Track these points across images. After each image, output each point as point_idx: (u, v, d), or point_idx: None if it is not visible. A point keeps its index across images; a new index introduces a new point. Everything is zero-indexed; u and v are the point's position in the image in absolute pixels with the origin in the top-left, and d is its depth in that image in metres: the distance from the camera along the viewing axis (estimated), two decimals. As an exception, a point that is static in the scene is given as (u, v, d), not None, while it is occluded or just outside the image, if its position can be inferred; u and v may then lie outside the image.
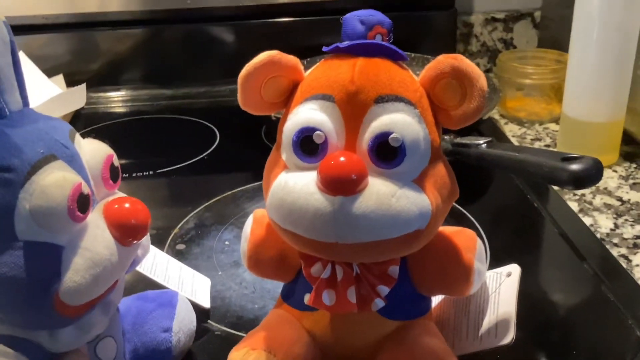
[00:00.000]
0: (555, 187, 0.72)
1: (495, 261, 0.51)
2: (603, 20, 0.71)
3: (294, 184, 0.35)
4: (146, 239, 0.39)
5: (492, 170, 0.77)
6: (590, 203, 0.70)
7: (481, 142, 0.64)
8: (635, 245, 0.62)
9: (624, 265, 0.59)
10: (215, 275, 0.59)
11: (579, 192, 0.72)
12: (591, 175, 0.50)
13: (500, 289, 0.45)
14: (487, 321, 0.44)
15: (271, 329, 0.41)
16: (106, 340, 0.41)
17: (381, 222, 0.34)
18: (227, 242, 0.65)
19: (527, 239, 0.65)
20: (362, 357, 0.41)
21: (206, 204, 0.72)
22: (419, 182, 0.36)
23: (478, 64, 0.36)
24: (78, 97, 0.99)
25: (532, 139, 0.88)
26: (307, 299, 0.39)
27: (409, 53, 0.37)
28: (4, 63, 0.35)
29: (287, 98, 0.39)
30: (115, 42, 1.07)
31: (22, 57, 0.83)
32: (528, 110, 0.93)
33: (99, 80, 1.08)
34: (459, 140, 0.66)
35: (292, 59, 0.38)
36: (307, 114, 0.36)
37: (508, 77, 0.93)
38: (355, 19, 0.38)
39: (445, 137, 0.67)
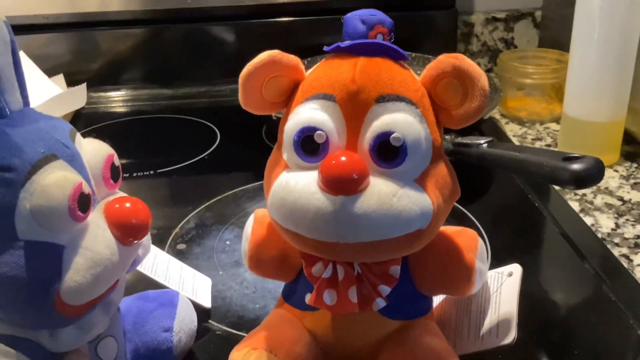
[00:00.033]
0: (557, 187, 0.72)
1: (496, 261, 0.51)
2: (604, 19, 0.71)
3: (295, 183, 0.35)
4: (147, 238, 0.39)
5: (493, 170, 0.77)
6: (592, 203, 0.70)
7: (482, 141, 0.64)
8: (636, 245, 0.62)
9: (625, 265, 0.59)
10: (216, 275, 0.59)
11: (580, 191, 0.72)
12: (592, 175, 0.50)
13: (502, 288, 0.45)
14: (489, 321, 0.44)
15: (272, 328, 0.41)
16: (107, 340, 0.41)
17: (382, 222, 0.34)
18: (227, 242, 0.65)
19: (528, 239, 0.65)
20: (363, 356, 0.41)
21: (207, 203, 0.72)
22: (420, 182, 0.36)
23: (479, 64, 0.37)
24: (78, 96, 0.99)
25: (533, 139, 0.88)
26: (308, 298, 0.39)
27: (409, 53, 0.37)
28: (5, 63, 0.35)
29: (288, 98, 0.39)
30: (115, 42, 1.07)
31: (23, 56, 0.83)
32: (529, 110, 0.93)
33: (99, 80, 1.08)
34: (459, 140, 0.66)
35: (293, 59, 0.38)
36: (308, 113, 0.36)
37: (509, 76, 0.93)
38: (356, 18, 0.38)
39: (446, 136, 0.67)
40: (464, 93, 0.36)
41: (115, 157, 0.39)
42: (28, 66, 0.94)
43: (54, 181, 0.33)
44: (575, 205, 0.70)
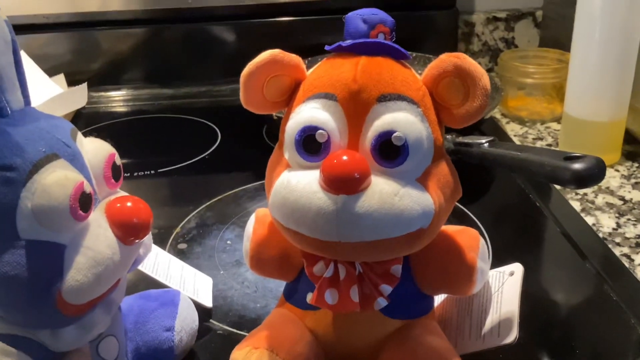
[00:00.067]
0: (558, 187, 0.72)
1: (497, 260, 0.51)
2: (605, 19, 0.71)
3: (297, 182, 0.35)
4: (148, 238, 0.39)
5: (494, 170, 0.77)
6: (593, 202, 0.70)
7: (483, 141, 0.64)
8: (637, 245, 0.62)
9: (627, 264, 0.59)
10: (217, 274, 0.59)
11: (581, 191, 0.72)
12: (594, 175, 0.50)
13: (503, 288, 0.45)
14: (490, 320, 0.44)
15: (273, 328, 0.41)
16: (108, 339, 0.41)
17: (384, 221, 0.34)
18: (228, 242, 0.65)
19: (529, 238, 0.65)
20: (364, 356, 0.41)
21: (208, 203, 0.72)
22: (422, 181, 0.36)
23: (479, 64, 0.36)
24: (79, 96, 0.99)
25: (533, 138, 0.88)
26: (310, 298, 0.39)
27: (410, 52, 0.37)
28: (6, 62, 0.35)
29: (290, 97, 0.39)
30: (116, 42, 1.07)
31: (23, 56, 0.83)
32: (530, 110, 0.93)
33: (100, 80, 1.08)
34: (461, 139, 0.66)
35: (294, 58, 0.38)
36: (309, 112, 0.36)
37: (509, 76, 0.93)
38: (357, 17, 0.38)
39: (447, 136, 0.67)
40: (465, 92, 0.36)
41: (117, 156, 0.39)
42: (29, 66, 0.94)
43: (56, 180, 0.33)
44: (576, 205, 0.70)
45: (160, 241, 0.64)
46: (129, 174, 0.80)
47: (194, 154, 0.86)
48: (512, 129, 0.91)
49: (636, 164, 0.78)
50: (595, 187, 0.73)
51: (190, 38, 1.08)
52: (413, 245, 0.37)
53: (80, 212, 0.34)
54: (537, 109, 0.93)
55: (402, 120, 0.35)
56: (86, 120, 1.00)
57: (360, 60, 0.37)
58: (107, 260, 0.35)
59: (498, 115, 0.95)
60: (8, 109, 0.35)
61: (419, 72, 0.38)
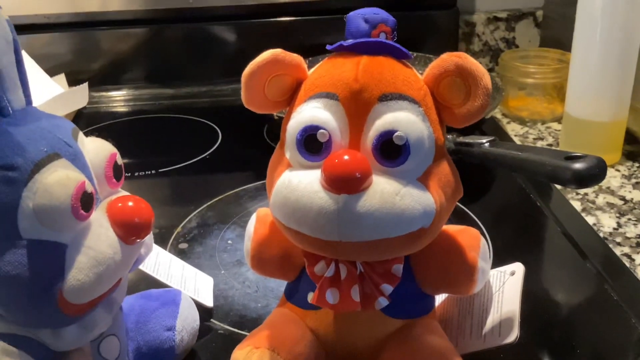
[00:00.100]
0: (558, 186, 0.72)
1: (498, 260, 0.51)
2: (606, 19, 0.71)
3: (298, 182, 0.35)
4: (149, 237, 0.39)
5: (495, 169, 0.77)
6: (593, 202, 0.70)
7: (484, 141, 0.64)
8: (638, 244, 0.62)
9: (627, 264, 0.59)
10: (218, 274, 0.59)
11: (582, 191, 0.72)
12: (595, 174, 0.50)
13: (504, 287, 0.45)
14: (491, 320, 0.44)
15: (274, 327, 0.41)
16: (109, 338, 0.41)
17: (385, 221, 0.34)
18: (229, 241, 0.65)
19: (529, 238, 0.65)
20: (365, 355, 0.41)
21: (208, 203, 0.72)
22: (423, 181, 0.36)
23: (480, 64, 0.36)
24: (80, 96, 0.99)
25: (534, 138, 0.88)
26: (311, 297, 0.39)
27: (411, 52, 0.37)
28: (7, 62, 0.35)
29: (291, 96, 0.39)
30: (117, 42, 1.07)
31: (25, 56, 0.83)
32: (530, 110, 0.93)
33: (101, 80, 1.08)
34: (461, 139, 0.66)
35: (295, 57, 0.38)
36: (311, 112, 0.36)
37: (510, 76, 0.93)
38: (359, 17, 0.38)
39: (448, 136, 0.67)
40: (466, 92, 0.36)
41: (118, 155, 0.39)
42: (30, 66, 0.94)
43: (57, 180, 0.33)
44: (577, 205, 0.70)
45: (162, 241, 0.64)
46: (130, 174, 0.80)
47: (194, 153, 0.86)
48: (513, 129, 0.91)
49: (637, 164, 0.78)
50: (596, 187, 0.73)
51: (191, 38, 1.08)
52: (414, 244, 0.37)
53: (82, 211, 0.34)
54: (538, 109, 0.93)
55: (404, 120, 0.35)
56: (87, 120, 1.00)
57: (361, 60, 0.37)
58: (108, 260, 0.35)
59: (499, 115, 0.95)
60: (9, 108, 0.35)
61: (420, 72, 0.38)
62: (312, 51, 0.65)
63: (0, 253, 0.33)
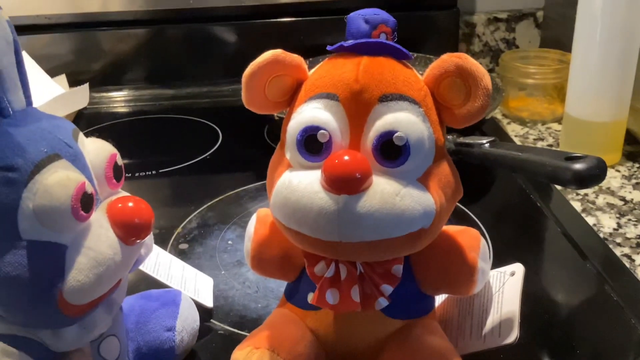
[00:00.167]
0: (558, 187, 0.72)
1: (498, 260, 0.51)
2: (606, 20, 0.71)
3: (298, 182, 0.35)
4: (149, 238, 0.39)
5: (495, 170, 0.77)
6: (593, 203, 0.70)
7: (484, 141, 0.64)
8: (638, 245, 0.62)
9: (627, 264, 0.59)
10: (218, 274, 0.59)
11: (582, 191, 0.72)
12: (595, 175, 0.50)
13: (504, 288, 0.45)
14: (491, 320, 0.44)
15: (274, 327, 0.41)
16: (109, 339, 0.41)
17: (385, 221, 0.34)
18: (230, 242, 0.65)
19: (529, 239, 0.65)
20: (365, 355, 0.41)
21: (209, 203, 0.72)
22: (423, 181, 0.36)
23: (480, 64, 0.36)
24: (81, 97, 0.99)
25: (534, 139, 0.88)
26: (311, 298, 0.39)
27: (411, 53, 0.37)
28: (8, 62, 0.35)
29: (291, 97, 0.39)
30: (117, 42, 1.07)
31: (25, 57, 0.83)
32: (530, 110, 0.93)
33: (101, 80, 1.08)
34: (462, 139, 0.66)
35: (296, 58, 0.38)
36: (311, 112, 0.36)
37: (510, 77, 0.93)
38: (359, 17, 0.38)
39: (448, 136, 0.67)
40: (467, 92, 0.36)
41: (118, 156, 0.39)
42: (30, 66, 0.94)
43: (57, 181, 0.33)
44: (577, 205, 0.70)
45: (162, 241, 0.64)
46: (130, 175, 0.80)
47: (195, 154, 0.86)
48: (513, 130, 0.91)
49: (637, 165, 0.78)
50: (596, 188, 0.73)
51: (191, 38, 1.08)
52: (414, 245, 0.37)
53: (82, 212, 0.34)
54: (538, 110, 0.93)
55: (404, 121, 0.35)
56: (88, 121, 1.00)
57: (362, 60, 0.37)
58: (108, 261, 0.35)
59: (499, 116, 0.95)
60: (10, 109, 0.35)
61: (420, 72, 0.39)
62: (313, 52, 0.65)
63: (0, 254, 0.33)
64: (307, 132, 0.36)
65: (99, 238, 0.35)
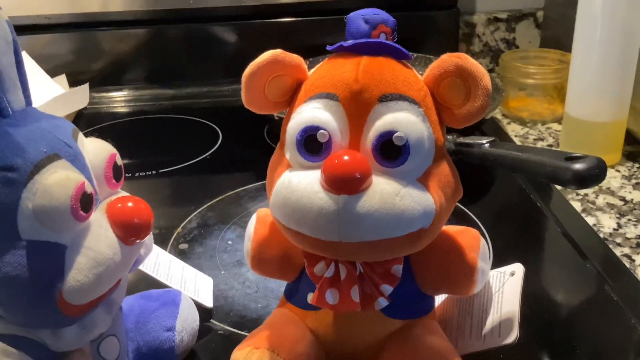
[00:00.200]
0: (558, 187, 0.72)
1: (498, 260, 0.51)
2: (606, 20, 0.71)
3: (298, 182, 0.35)
4: (149, 238, 0.39)
5: (495, 170, 0.77)
6: (593, 203, 0.70)
7: (484, 141, 0.64)
8: (638, 245, 0.62)
9: (627, 265, 0.59)
10: (218, 274, 0.59)
11: (582, 191, 0.72)
12: (595, 175, 0.50)
13: (504, 288, 0.45)
14: (491, 320, 0.44)
15: (274, 327, 0.41)
16: (109, 339, 0.41)
17: (385, 221, 0.34)
18: (229, 242, 0.65)
19: (529, 239, 0.65)
20: (365, 355, 0.41)
21: (209, 203, 0.72)
22: (423, 181, 0.36)
23: (480, 64, 0.36)
24: (81, 97, 0.99)
25: (534, 139, 0.88)
26: (311, 298, 0.39)
27: (411, 53, 0.37)
28: (7, 62, 0.35)
29: (291, 97, 0.39)
30: (117, 42, 1.07)
31: (25, 57, 0.83)
32: (530, 110, 0.93)
33: (101, 80, 1.08)
34: (461, 139, 0.66)
35: (296, 58, 0.38)
36: (311, 112, 0.36)
37: (510, 77, 0.93)
38: (359, 17, 0.38)
39: (448, 136, 0.67)
40: (466, 92, 0.36)
41: (118, 156, 0.39)
42: (30, 66, 0.94)
43: (57, 181, 0.33)
44: (577, 205, 0.70)
45: (161, 241, 0.64)
46: (130, 175, 0.80)
47: (195, 154, 0.86)
48: (513, 130, 0.91)
49: (637, 165, 0.78)
50: (596, 188, 0.73)
51: (191, 38, 1.08)
52: (414, 245, 0.37)
53: (82, 212, 0.34)
54: (538, 110, 0.93)
55: (404, 121, 0.35)
56: (87, 121, 1.00)
57: (361, 60, 0.37)
58: (108, 261, 0.35)
59: (499, 116, 0.95)
60: (9, 109, 0.35)
61: (420, 72, 0.39)
62: (313, 52, 0.65)
63: (0, 254, 0.33)
64: (306, 132, 0.36)
65: (99, 238, 0.35)
